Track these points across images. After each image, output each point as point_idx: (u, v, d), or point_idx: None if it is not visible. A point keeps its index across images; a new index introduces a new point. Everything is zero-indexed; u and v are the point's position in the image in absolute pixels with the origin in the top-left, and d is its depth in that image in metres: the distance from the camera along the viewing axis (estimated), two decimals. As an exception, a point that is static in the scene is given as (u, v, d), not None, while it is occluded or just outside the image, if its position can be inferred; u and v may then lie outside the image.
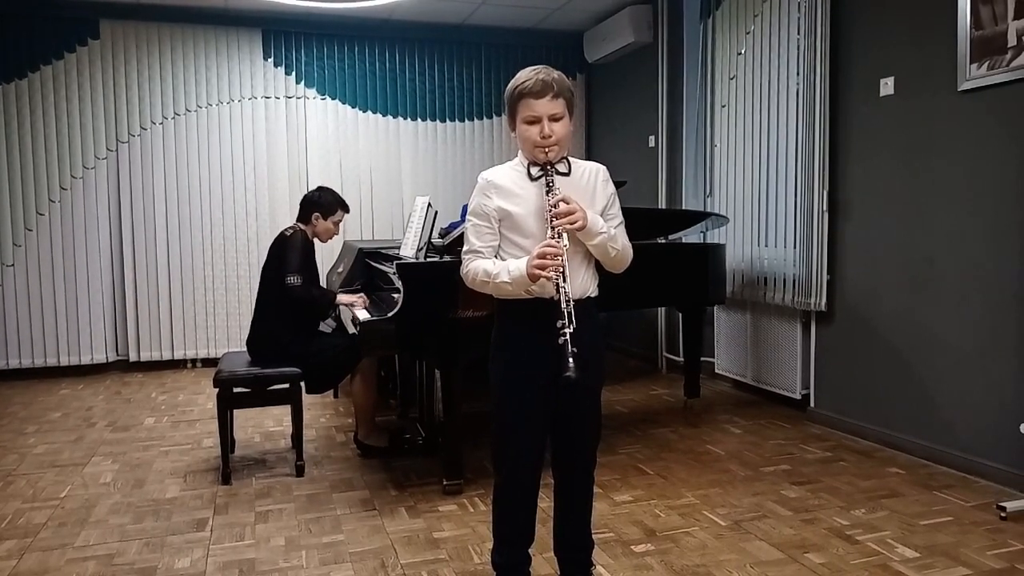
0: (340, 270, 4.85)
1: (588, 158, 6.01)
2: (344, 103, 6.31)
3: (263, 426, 4.35)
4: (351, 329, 3.54)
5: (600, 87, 6.79)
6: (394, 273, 3.30)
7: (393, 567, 2.56)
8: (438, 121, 6.57)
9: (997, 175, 3.19)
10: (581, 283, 2.08)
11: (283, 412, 4.37)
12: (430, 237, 3.75)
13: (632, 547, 2.68)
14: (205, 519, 3.00)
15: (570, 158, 2.13)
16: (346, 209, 3.97)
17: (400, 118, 6.46)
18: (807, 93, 4.13)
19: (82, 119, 5.73)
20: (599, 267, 2.16)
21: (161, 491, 3.33)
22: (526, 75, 2.02)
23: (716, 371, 5.14)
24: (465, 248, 2.13)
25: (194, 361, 6.11)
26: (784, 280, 4.42)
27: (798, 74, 4.24)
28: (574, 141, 6.74)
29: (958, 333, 3.40)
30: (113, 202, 5.87)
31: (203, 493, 3.29)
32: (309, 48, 6.21)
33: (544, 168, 2.04)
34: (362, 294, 3.89)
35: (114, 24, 5.75)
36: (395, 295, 3.32)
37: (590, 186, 2.12)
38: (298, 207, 3.93)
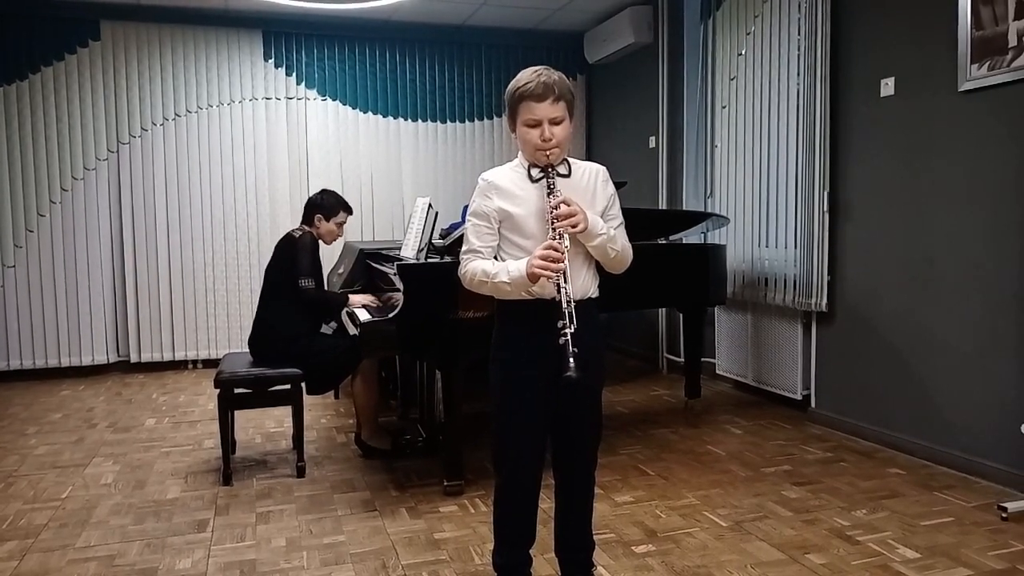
0: (341, 271, 4.85)
1: (588, 159, 6.01)
2: (345, 104, 6.31)
3: (264, 427, 4.35)
4: (352, 330, 3.54)
5: (600, 88, 6.79)
6: (395, 274, 3.30)
7: (394, 568, 2.56)
8: (439, 122, 6.57)
9: (998, 175, 3.19)
10: (582, 284, 2.08)
11: (284, 413, 4.37)
12: (431, 238, 3.76)
13: (633, 548, 2.68)
14: (206, 520, 3.00)
15: (570, 159, 2.13)
16: (348, 211, 3.97)
17: (401, 119, 6.46)
18: (807, 94, 4.13)
19: (83, 120, 5.74)
20: (600, 268, 2.17)
21: (162, 492, 3.33)
22: (527, 77, 2.02)
23: (717, 372, 5.14)
24: (464, 248, 2.13)
25: (195, 362, 6.11)
26: (785, 280, 4.42)
27: (798, 75, 4.24)
28: (574, 142, 6.80)
29: (959, 333, 3.40)
30: (114, 203, 5.87)
31: (204, 494, 3.29)
32: (310, 49, 6.21)
33: (545, 170, 2.04)
34: (371, 296, 3.90)
35: (114, 25, 5.75)
36: (396, 296, 3.33)
37: (590, 187, 2.12)
38: (301, 210, 3.94)
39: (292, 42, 6.17)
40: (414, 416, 4.33)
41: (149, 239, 5.91)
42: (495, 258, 2.10)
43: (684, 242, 4.93)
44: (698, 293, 4.30)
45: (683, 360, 4.76)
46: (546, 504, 2.39)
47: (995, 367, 3.23)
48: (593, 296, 2.14)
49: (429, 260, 3.53)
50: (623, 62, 6.25)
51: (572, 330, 1.88)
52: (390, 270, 3.63)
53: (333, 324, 4.16)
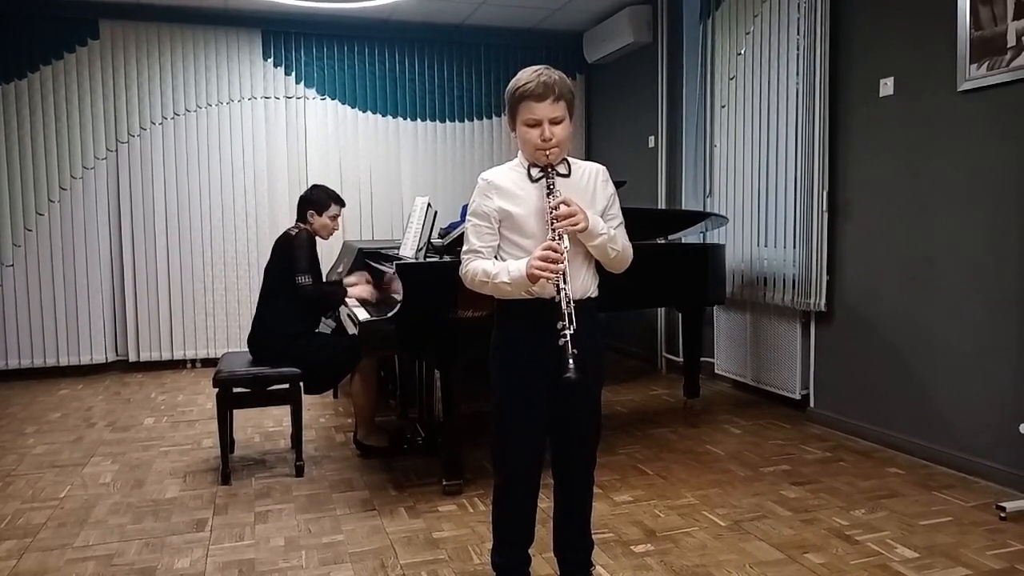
0: (340, 270, 4.85)
1: (588, 158, 6.00)
2: (344, 103, 6.31)
3: (263, 426, 4.35)
4: (351, 329, 3.54)
5: (600, 87, 6.79)
6: (394, 273, 3.30)
7: (393, 567, 2.56)
8: (438, 121, 6.57)
9: (997, 175, 3.20)
10: (582, 284, 2.08)
11: (283, 412, 4.37)
12: (430, 237, 3.76)
13: (632, 547, 2.68)
14: (205, 519, 3.00)
15: (570, 159, 2.13)
16: (340, 203, 3.94)
17: (400, 118, 6.46)
18: (807, 93, 4.13)
19: (82, 119, 5.73)
20: (599, 267, 2.17)
21: (161, 491, 3.32)
22: (527, 76, 2.01)
23: (716, 371, 5.14)
24: (464, 248, 2.13)
25: (193, 361, 6.11)
26: (784, 280, 4.42)
27: (798, 74, 4.24)
28: (574, 141, 6.76)
29: (958, 333, 3.40)
30: (113, 202, 5.87)
31: (203, 493, 3.29)
32: (309, 48, 6.21)
33: (544, 170, 2.04)
34: (365, 273, 3.88)
35: (114, 24, 5.75)
36: (395, 295, 3.32)
37: (590, 187, 2.12)
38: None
39: (291, 41, 6.16)
40: (413, 415, 4.34)
41: (148, 238, 5.91)
42: (496, 258, 2.09)
43: (683, 242, 4.93)
44: (697, 293, 4.30)
45: (682, 360, 4.76)
46: (545, 504, 2.39)
47: (994, 367, 3.23)
48: (593, 296, 2.14)
49: (428, 259, 3.53)
50: (622, 62, 6.25)
51: (572, 331, 1.88)
52: (389, 269, 3.63)
53: (332, 323, 4.16)
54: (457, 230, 3.46)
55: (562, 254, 1.93)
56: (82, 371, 5.85)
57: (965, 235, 3.35)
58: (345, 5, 5.66)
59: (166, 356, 6.00)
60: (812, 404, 4.29)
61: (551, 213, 1.98)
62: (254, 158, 6.11)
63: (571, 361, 1.85)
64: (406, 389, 4.60)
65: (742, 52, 4.76)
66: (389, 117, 6.43)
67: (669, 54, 5.62)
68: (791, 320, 4.42)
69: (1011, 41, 3.08)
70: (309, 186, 4.03)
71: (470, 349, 3.04)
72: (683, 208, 5.49)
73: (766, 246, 4.64)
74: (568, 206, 1.97)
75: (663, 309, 5.76)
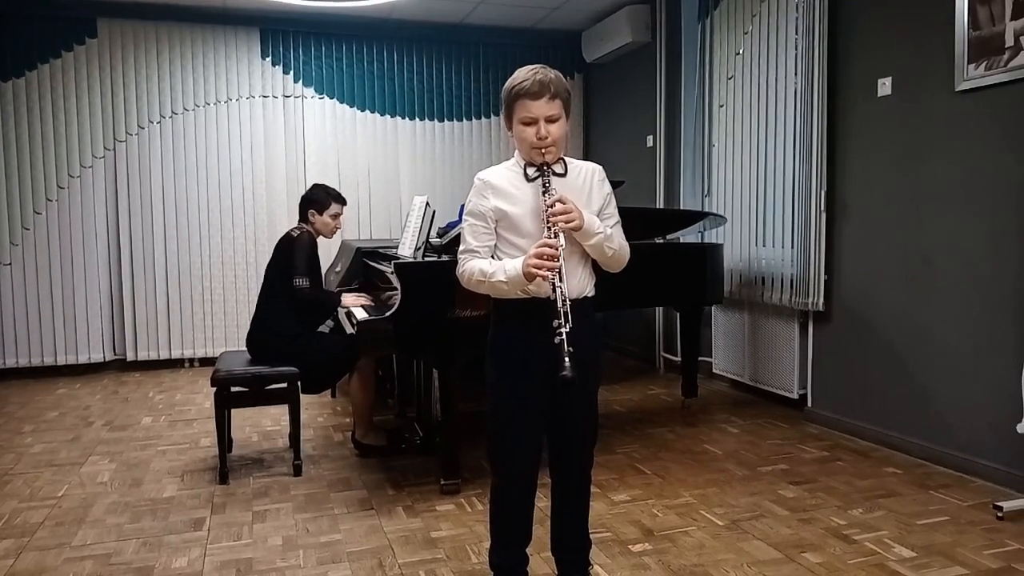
0: (338, 269, 4.85)
1: (586, 158, 6.00)
2: (342, 102, 6.30)
3: (260, 425, 4.35)
4: (349, 329, 3.54)
5: (598, 87, 6.79)
6: (392, 273, 3.30)
7: (391, 567, 2.56)
8: (436, 120, 6.57)
9: (994, 175, 3.20)
10: (578, 283, 2.08)
11: (280, 411, 4.36)
12: (428, 237, 3.75)
13: (630, 547, 2.69)
14: (202, 518, 3.00)
15: (566, 158, 2.13)
16: (341, 201, 3.94)
17: (398, 117, 6.46)
18: (805, 93, 4.13)
19: (80, 118, 5.73)
20: (596, 267, 2.17)
21: (158, 490, 3.32)
22: (523, 75, 2.02)
23: (714, 371, 5.14)
24: (461, 248, 2.13)
25: (191, 360, 6.10)
26: (782, 280, 4.42)
27: (796, 74, 4.24)
28: (572, 141, 6.76)
29: (956, 333, 3.40)
30: (111, 201, 5.86)
31: (200, 492, 3.29)
32: (307, 47, 6.20)
33: (541, 169, 2.04)
34: (365, 294, 3.89)
35: (112, 23, 5.74)
36: (393, 294, 3.32)
37: (586, 186, 2.12)
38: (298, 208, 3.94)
39: (289, 40, 6.16)
40: (411, 415, 4.33)
41: (146, 237, 5.91)
42: (493, 257, 2.09)
43: (681, 241, 4.93)
44: (695, 292, 4.30)
45: (680, 359, 4.77)
46: (543, 503, 2.39)
47: (992, 366, 3.23)
48: (589, 295, 2.14)
49: (426, 259, 3.53)
50: (621, 61, 6.25)
51: (568, 329, 1.88)
52: (387, 269, 3.63)
53: (330, 323, 4.16)
54: (455, 229, 3.45)
55: (558, 252, 1.93)
56: (80, 370, 5.84)
57: (963, 235, 3.35)
58: (344, 4, 5.65)
59: (164, 355, 5.99)
60: (810, 404, 4.29)
61: (547, 211, 1.98)
62: (252, 157, 6.10)
63: (567, 360, 1.85)
64: (404, 388, 4.60)
65: (740, 52, 4.76)
66: (387, 116, 6.43)
67: (668, 54, 5.62)
68: (789, 320, 4.42)
69: (1009, 41, 3.08)
70: (310, 185, 4.02)
71: (468, 348, 3.04)
72: (681, 208, 5.49)
73: (764, 246, 4.64)
74: (564, 204, 1.98)
75: (661, 309, 5.77)
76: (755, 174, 4.67)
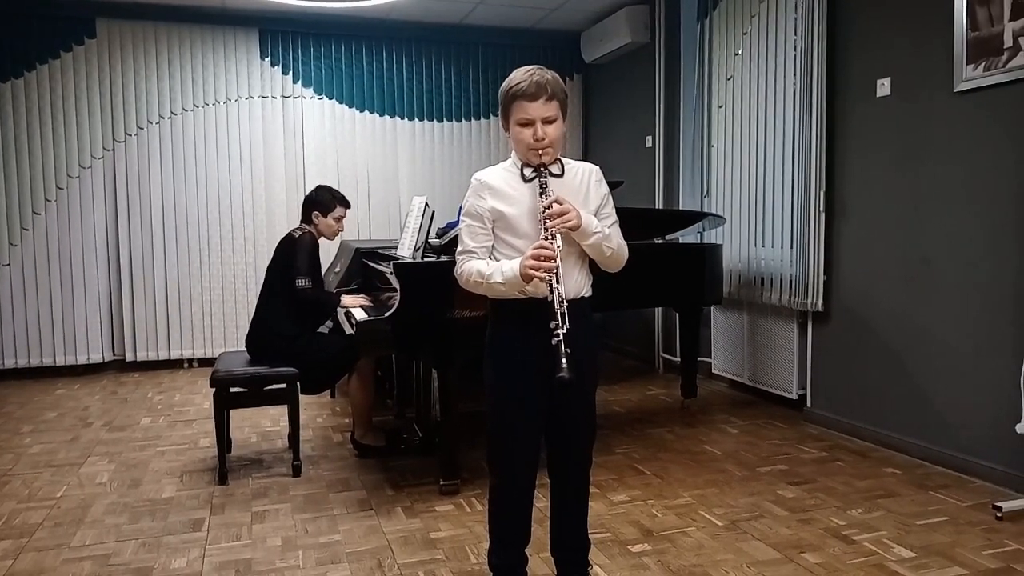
0: (337, 270, 4.85)
1: (585, 158, 6.00)
2: (341, 103, 6.30)
3: (260, 426, 4.35)
4: (348, 329, 3.54)
5: (597, 87, 6.79)
6: (391, 273, 3.30)
7: (390, 567, 2.56)
8: (435, 121, 6.57)
9: (993, 176, 3.20)
10: (575, 283, 2.08)
11: (280, 412, 4.35)
12: (427, 237, 3.75)
13: (629, 547, 2.69)
14: (201, 519, 3.00)
15: (563, 159, 2.13)
16: (345, 204, 3.95)
17: (397, 118, 6.46)
18: (804, 94, 4.13)
19: (79, 118, 5.72)
20: (594, 267, 2.17)
21: (157, 491, 3.32)
22: (520, 76, 2.02)
23: (713, 371, 5.14)
24: (459, 249, 2.13)
25: (191, 361, 6.10)
26: (781, 280, 4.42)
27: (795, 75, 4.25)
28: (571, 141, 6.80)
29: (955, 333, 3.40)
30: (109, 202, 5.86)
31: (199, 493, 3.29)
32: (306, 47, 6.20)
33: (537, 169, 2.04)
34: (364, 295, 3.90)
35: (111, 23, 5.74)
36: (392, 295, 3.32)
37: (583, 187, 2.12)
38: (297, 208, 3.94)
39: (288, 40, 6.16)
40: (410, 415, 4.33)
41: (145, 237, 5.90)
42: (490, 258, 2.09)
43: (680, 242, 4.94)
44: (694, 293, 4.30)
45: (679, 359, 4.77)
46: (542, 503, 2.40)
47: (991, 367, 3.23)
48: (586, 295, 2.14)
49: (425, 259, 3.53)
50: (620, 62, 6.25)
51: (565, 330, 1.88)
52: (386, 269, 3.63)
53: (329, 323, 4.16)
54: (454, 230, 3.45)
55: (555, 253, 1.93)
56: (79, 370, 5.84)
57: (962, 235, 3.35)
58: (343, 4, 5.65)
59: (163, 356, 5.99)
60: (809, 404, 4.29)
61: (544, 212, 1.98)
62: (251, 157, 6.10)
63: (564, 360, 1.85)
64: (403, 389, 4.60)
65: (739, 52, 4.76)
66: (386, 117, 6.43)
67: (667, 54, 5.62)
68: (788, 320, 4.43)
69: (1008, 42, 3.08)
70: (315, 186, 4.01)
71: (467, 349, 3.04)
72: (680, 208, 5.49)
73: (763, 246, 4.65)
74: (561, 204, 1.98)
75: (660, 309, 5.77)
76: (754, 174, 4.67)
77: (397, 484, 3.36)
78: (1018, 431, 2.94)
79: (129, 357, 5.94)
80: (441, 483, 3.22)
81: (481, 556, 2.55)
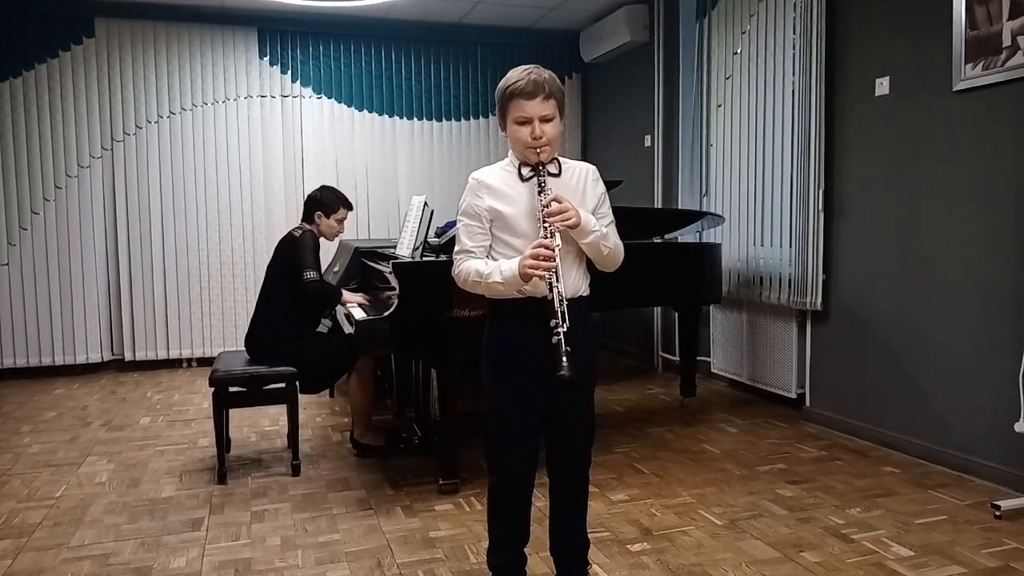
0: (336, 269, 4.84)
1: (584, 158, 6.01)
2: (340, 102, 6.30)
3: (259, 425, 4.35)
4: (348, 328, 3.54)
5: (596, 87, 6.79)
6: (390, 272, 3.30)
7: (389, 567, 2.56)
8: (434, 120, 6.57)
9: (992, 175, 3.20)
10: (573, 282, 2.08)
11: (279, 411, 4.36)
12: (426, 236, 3.75)
13: (628, 546, 2.69)
14: (201, 519, 2.99)
15: (560, 158, 2.13)
16: (348, 207, 3.96)
17: (396, 117, 6.45)
18: (803, 93, 4.13)
19: (77, 118, 5.72)
20: (591, 266, 2.17)
21: (157, 491, 3.32)
22: (517, 75, 2.02)
23: (712, 370, 5.14)
24: (457, 248, 2.13)
25: (190, 360, 6.10)
26: (780, 279, 4.43)
27: (794, 74, 4.25)
28: (570, 140, 6.80)
29: (954, 332, 3.41)
30: (108, 201, 5.86)
31: (199, 492, 3.29)
32: (305, 47, 6.20)
33: (535, 168, 2.04)
34: (363, 294, 3.90)
35: (109, 22, 5.73)
36: (391, 294, 3.32)
37: (580, 186, 2.12)
38: (302, 207, 3.95)
39: (287, 40, 6.15)
40: (409, 415, 4.33)
41: (143, 237, 5.90)
42: (488, 258, 2.09)
43: (679, 241, 4.94)
44: (693, 292, 4.30)
45: (678, 359, 4.77)
46: (541, 503, 2.40)
47: (990, 366, 3.24)
48: (584, 294, 2.14)
49: (425, 258, 3.53)
50: (619, 61, 6.25)
51: (564, 329, 1.89)
52: (385, 268, 3.63)
53: (328, 323, 4.16)
54: (454, 229, 3.45)
55: (554, 252, 1.93)
56: (78, 370, 5.84)
57: (960, 234, 3.35)
58: (342, 4, 5.65)
59: (162, 355, 5.99)
60: (808, 403, 4.30)
61: (542, 211, 1.98)
62: (250, 157, 6.10)
63: (564, 359, 1.85)
64: (402, 388, 4.59)
65: (738, 51, 4.76)
66: (385, 116, 6.42)
67: (666, 53, 5.62)
68: (787, 319, 4.43)
69: (1006, 41, 3.08)
70: (319, 187, 3.99)
71: (466, 348, 3.02)
72: (679, 207, 5.49)
73: (762, 245, 4.65)
74: (559, 203, 1.98)
75: (659, 308, 5.77)
76: (753, 174, 4.67)
77: (396, 483, 3.36)
78: (1017, 430, 2.95)
79: (128, 357, 5.94)
80: (440, 482, 3.22)
81: (480, 555, 2.55)
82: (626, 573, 2.49)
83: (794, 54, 4.24)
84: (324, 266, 5.17)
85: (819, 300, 4.12)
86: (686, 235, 4.91)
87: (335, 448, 3.92)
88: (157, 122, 5.89)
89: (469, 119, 6.64)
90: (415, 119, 6.51)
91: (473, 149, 6.66)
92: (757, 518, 2.92)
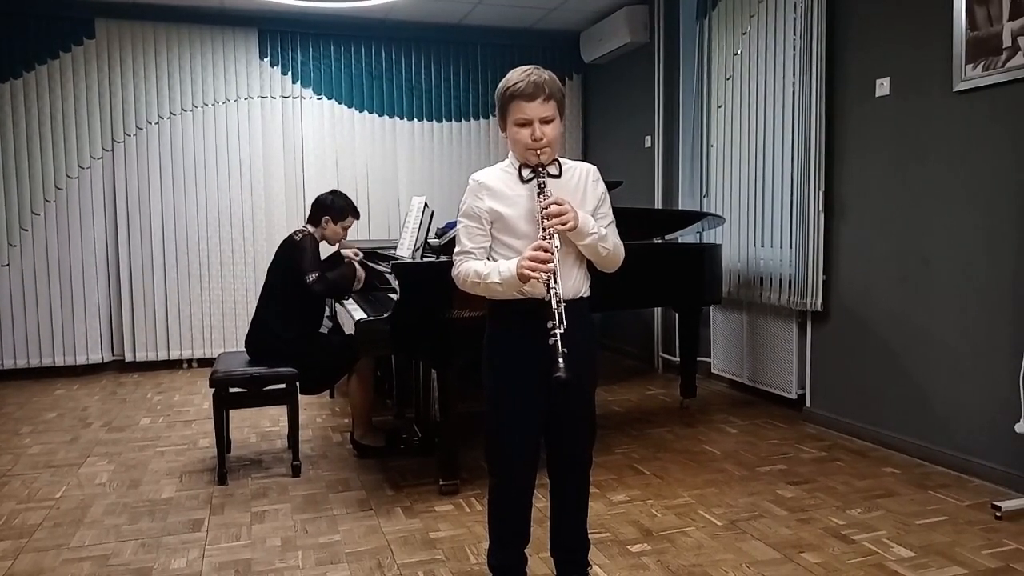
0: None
1: (584, 158, 6.01)
2: (340, 103, 6.30)
3: (259, 426, 4.35)
4: (348, 329, 3.54)
5: (596, 87, 6.79)
6: (390, 273, 3.30)
7: (389, 567, 2.56)
8: (434, 121, 6.57)
9: (992, 175, 3.20)
10: (573, 284, 2.08)
11: (279, 412, 4.35)
12: (426, 237, 3.76)
13: (628, 547, 2.69)
14: (201, 519, 2.99)
15: (560, 159, 2.13)
16: (357, 215, 3.97)
17: (396, 118, 6.46)
18: (803, 93, 4.13)
19: (77, 119, 5.72)
20: (592, 267, 2.17)
21: (157, 491, 3.32)
22: (517, 76, 2.02)
23: (712, 371, 5.14)
24: (456, 249, 2.13)
25: (190, 361, 6.10)
26: (780, 280, 4.43)
27: (794, 74, 4.25)
28: (570, 141, 6.80)
29: (954, 333, 3.41)
30: (108, 202, 5.86)
31: (199, 493, 3.29)
32: (305, 48, 6.20)
33: (535, 170, 2.04)
34: (355, 249, 3.99)
35: (110, 23, 5.74)
36: (391, 295, 3.32)
37: (580, 187, 2.12)
38: (302, 208, 3.95)
39: (287, 41, 6.16)
40: (410, 415, 4.33)
41: (144, 238, 5.90)
42: (488, 259, 2.09)
43: (680, 242, 4.94)
44: (694, 293, 4.30)
45: (679, 359, 4.77)
46: (541, 503, 2.40)
47: (990, 366, 3.24)
48: (585, 296, 2.14)
49: (425, 259, 3.53)
50: (619, 62, 6.25)
51: (562, 330, 1.89)
52: (386, 269, 3.63)
53: (328, 323, 4.16)
54: (454, 230, 3.45)
55: (552, 253, 1.93)
56: (78, 371, 5.84)
57: (961, 235, 3.35)
58: (342, 4, 5.65)
59: (162, 356, 5.99)
60: (808, 404, 4.30)
61: (541, 212, 1.98)
62: (250, 158, 6.10)
63: (561, 360, 1.85)
64: (403, 389, 4.59)
65: (739, 52, 4.77)
66: (386, 117, 6.43)
67: (666, 54, 5.62)
68: (787, 320, 4.43)
69: (1007, 42, 3.08)
70: (330, 191, 3.98)
71: (466, 349, 3.03)
72: (680, 208, 5.50)
73: (762, 246, 4.65)
74: (559, 205, 1.98)
75: (660, 309, 5.77)
76: (753, 174, 4.67)
77: (397, 484, 3.36)
78: (1017, 430, 2.95)
79: (128, 357, 5.94)
80: (440, 483, 3.22)
81: (481, 556, 2.55)
82: (626, 574, 2.49)
83: (794, 55, 4.24)
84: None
85: (819, 301, 4.12)
86: (686, 236, 4.91)
87: (335, 449, 3.92)
88: (157, 123, 5.90)
89: (469, 120, 6.64)
90: (415, 120, 6.51)
91: (473, 150, 6.66)
92: (757, 519, 2.92)
